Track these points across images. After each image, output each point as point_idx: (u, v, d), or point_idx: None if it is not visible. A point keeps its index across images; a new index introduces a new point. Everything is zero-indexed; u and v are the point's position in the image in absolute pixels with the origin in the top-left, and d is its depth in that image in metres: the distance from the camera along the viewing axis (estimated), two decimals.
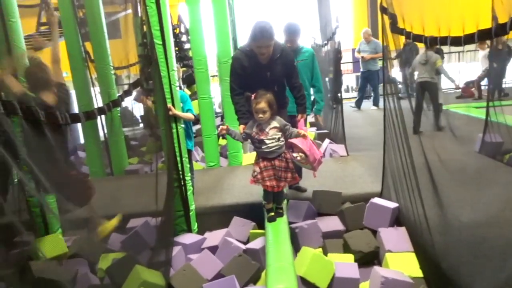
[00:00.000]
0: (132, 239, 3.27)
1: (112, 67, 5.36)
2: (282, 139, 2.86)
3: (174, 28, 6.73)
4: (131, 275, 2.67)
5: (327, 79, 6.86)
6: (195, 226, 3.55)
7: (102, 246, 3.28)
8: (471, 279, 2.22)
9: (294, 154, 2.94)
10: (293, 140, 2.91)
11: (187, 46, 6.97)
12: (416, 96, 5.74)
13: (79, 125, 6.28)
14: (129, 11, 6.56)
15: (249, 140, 3.00)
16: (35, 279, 2.68)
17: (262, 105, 2.75)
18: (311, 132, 6.50)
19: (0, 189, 3.32)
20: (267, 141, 2.81)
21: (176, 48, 6.44)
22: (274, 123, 2.84)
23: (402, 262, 2.70)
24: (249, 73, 3.04)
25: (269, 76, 3.06)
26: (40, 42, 3.41)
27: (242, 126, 2.96)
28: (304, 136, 2.89)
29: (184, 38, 7.21)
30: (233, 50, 5.25)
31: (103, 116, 5.36)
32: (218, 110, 7.36)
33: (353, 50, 14.81)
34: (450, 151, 3.29)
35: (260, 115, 2.77)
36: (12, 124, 2.93)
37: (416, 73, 5.82)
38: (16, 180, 3.24)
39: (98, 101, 5.37)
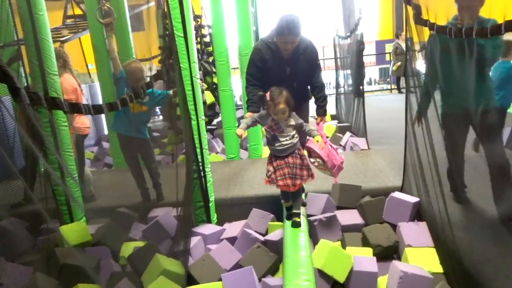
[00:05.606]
0: (153, 228, 3.34)
1: (135, 60, 5.42)
2: (296, 135, 2.76)
3: (196, 19, 6.73)
4: (152, 264, 2.73)
5: (349, 71, 6.76)
6: (214, 217, 3.60)
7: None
8: (495, 277, 2.17)
9: (311, 160, 2.86)
10: (310, 145, 2.81)
11: (208, 38, 6.98)
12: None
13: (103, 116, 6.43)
14: (152, 3, 6.64)
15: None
16: (60, 265, 2.77)
17: (282, 106, 2.63)
18: (332, 125, 6.43)
19: (28, 178, 3.45)
20: (281, 138, 2.71)
21: (198, 40, 6.46)
22: (291, 121, 2.73)
23: (422, 257, 2.67)
24: (269, 67, 2.97)
25: (289, 72, 2.97)
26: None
27: (249, 114, 2.88)
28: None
29: (206, 30, 7.22)
30: (255, 42, 5.23)
31: None
32: (239, 102, 7.36)
33: (377, 42, 14.62)
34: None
35: (281, 116, 2.67)
36: (38, 115, 3.04)
37: None
38: (42, 169, 3.35)
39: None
